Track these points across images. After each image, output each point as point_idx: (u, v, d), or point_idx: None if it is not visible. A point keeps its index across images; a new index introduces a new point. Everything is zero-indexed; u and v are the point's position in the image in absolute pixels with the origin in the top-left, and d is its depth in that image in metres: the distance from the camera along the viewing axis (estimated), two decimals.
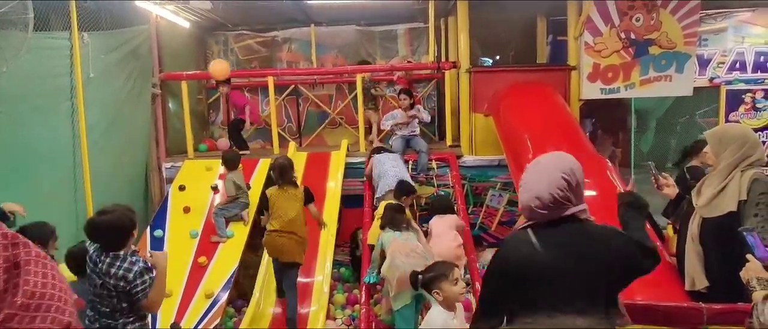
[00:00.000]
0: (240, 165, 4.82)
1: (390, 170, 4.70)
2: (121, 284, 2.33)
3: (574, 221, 1.62)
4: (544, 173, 1.63)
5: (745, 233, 1.92)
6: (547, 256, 1.55)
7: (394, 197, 4.34)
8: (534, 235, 1.61)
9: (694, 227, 2.48)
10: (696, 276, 2.46)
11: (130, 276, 2.33)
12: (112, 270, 2.34)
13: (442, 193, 5.20)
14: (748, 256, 1.86)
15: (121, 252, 2.39)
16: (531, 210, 1.62)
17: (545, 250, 1.56)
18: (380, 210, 4.20)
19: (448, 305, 2.55)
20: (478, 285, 4.03)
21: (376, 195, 4.68)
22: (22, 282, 0.86)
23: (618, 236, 1.67)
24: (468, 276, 4.15)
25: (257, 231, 4.51)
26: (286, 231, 3.75)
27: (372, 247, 4.09)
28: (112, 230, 2.39)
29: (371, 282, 3.86)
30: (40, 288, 0.88)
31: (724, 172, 2.40)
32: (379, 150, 5.20)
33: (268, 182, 5.41)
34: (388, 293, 3.49)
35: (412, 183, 4.69)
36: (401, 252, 3.36)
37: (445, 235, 3.95)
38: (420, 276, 2.68)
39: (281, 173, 3.86)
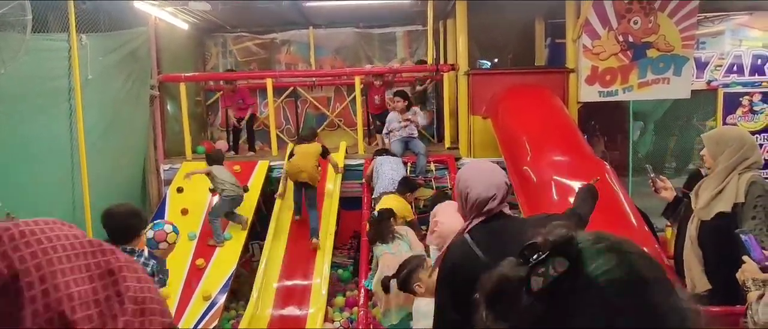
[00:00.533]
0: (223, 162, 4.90)
1: (387, 172, 4.74)
2: None
3: (504, 217, 1.75)
4: (489, 172, 1.77)
5: (741, 235, 1.93)
6: (489, 257, 1.61)
7: (397, 192, 4.43)
8: (472, 239, 1.70)
9: (692, 229, 2.48)
10: (696, 278, 2.46)
11: (148, 270, 2.47)
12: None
13: (441, 191, 5.21)
14: (744, 258, 1.86)
15: (136, 248, 2.46)
16: (486, 202, 1.71)
17: (487, 253, 1.63)
18: (381, 202, 4.33)
19: (431, 292, 2.55)
20: None
21: (373, 196, 4.76)
22: (124, 289, 0.82)
23: (547, 218, 1.75)
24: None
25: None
26: (302, 163, 4.75)
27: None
28: (128, 219, 2.49)
29: (370, 287, 3.84)
30: (140, 292, 0.85)
31: (722, 174, 2.40)
32: (380, 152, 5.22)
33: (267, 184, 5.41)
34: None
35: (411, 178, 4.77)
36: (390, 266, 3.24)
37: (451, 212, 3.95)
38: (393, 280, 2.68)
39: (307, 134, 5.18)
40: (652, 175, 2.80)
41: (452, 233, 4.06)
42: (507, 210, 1.78)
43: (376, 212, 3.90)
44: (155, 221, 3.05)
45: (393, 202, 4.38)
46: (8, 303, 0.70)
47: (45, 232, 0.78)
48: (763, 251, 1.84)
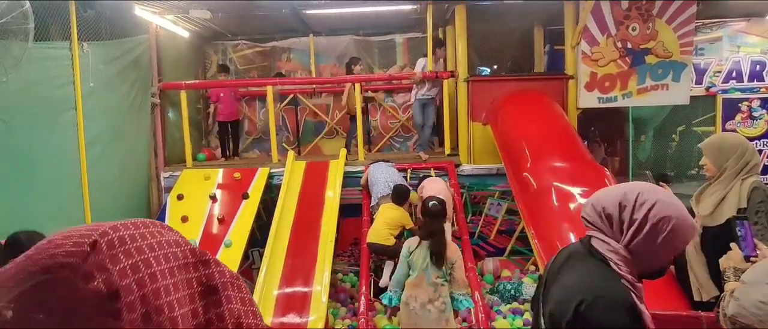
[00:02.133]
0: None
1: (380, 177, 4.81)
2: None
3: None
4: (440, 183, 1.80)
5: (737, 222, 1.88)
6: None
7: (393, 202, 4.44)
8: None
9: (696, 238, 2.48)
10: (704, 285, 2.45)
11: None
12: None
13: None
14: (732, 245, 1.83)
15: None
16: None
17: None
18: (380, 212, 4.35)
19: None
20: (477, 295, 4.02)
21: (371, 203, 4.84)
22: (227, 312, 0.69)
23: None
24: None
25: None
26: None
27: (371, 247, 4.31)
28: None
29: (392, 305, 3.46)
30: (245, 317, 0.72)
31: (727, 180, 2.42)
32: (376, 161, 5.27)
33: (267, 190, 5.41)
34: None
35: (408, 187, 4.74)
36: (420, 298, 3.06)
37: (437, 182, 4.65)
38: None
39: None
40: (651, 182, 2.80)
41: (435, 191, 4.24)
42: None
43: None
44: None
45: (392, 212, 4.41)
46: (104, 324, 0.57)
47: (146, 238, 0.64)
48: (756, 246, 1.80)
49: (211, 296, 0.69)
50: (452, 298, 3.12)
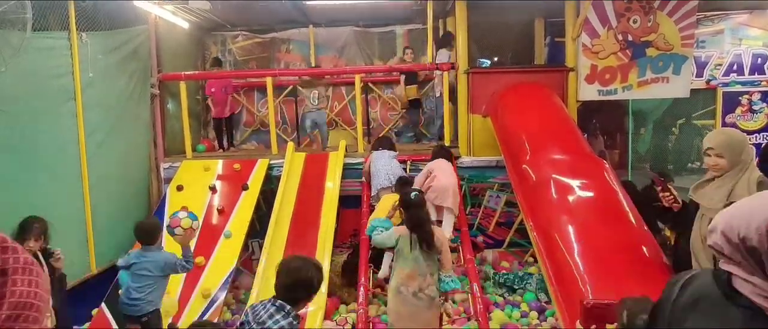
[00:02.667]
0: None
1: (382, 168, 4.80)
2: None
3: None
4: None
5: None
6: None
7: (396, 192, 4.42)
8: None
9: (703, 230, 2.48)
10: None
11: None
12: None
13: (443, 145, 5.44)
14: None
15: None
16: None
17: None
18: (381, 203, 4.33)
19: None
20: (476, 288, 4.04)
21: (372, 194, 4.85)
22: (9, 293, 0.84)
23: None
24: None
25: None
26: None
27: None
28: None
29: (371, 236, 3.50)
30: (25, 297, 0.86)
31: (736, 173, 2.44)
32: (377, 146, 5.27)
33: (267, 182, 5.42)
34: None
35: (407, 177, 4.80)
36: (410, 286, 3.11)
37: (447, 171, 4.62)
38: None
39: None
40: (659, 186, 2.79)
41: (444, 190, 4.42)
42: None
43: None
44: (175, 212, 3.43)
45: (393, 199, 4.40)
46: None
47: None
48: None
49: (2, 277, 0.84)
50: (439, 280, 3.18)
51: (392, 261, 3.64)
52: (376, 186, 4.79)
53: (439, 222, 4.49)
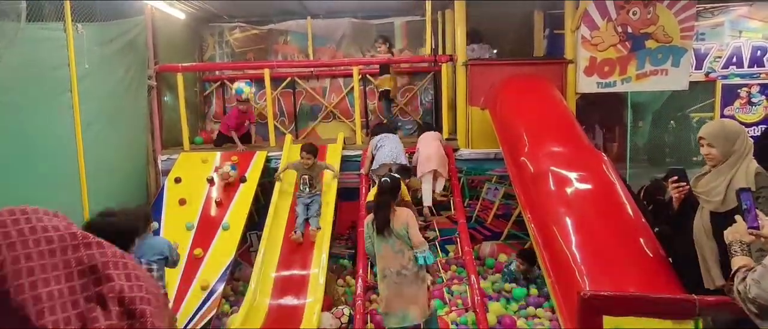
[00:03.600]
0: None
1: (387, 145, 5.09)
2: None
3: None
4: None
5: (742, 193, 1.85)
6: None
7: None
8: None
9: (705, 221, 2.47)
10: (714, 273, 2.42)
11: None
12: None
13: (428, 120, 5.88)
14: (737, 217, 1.82)
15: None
16: None
17: None
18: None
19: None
20: (473, 278, 4.05)
21: (372, 167, 5.14)
22: (107, 289, 0.74)
23: None
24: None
25: None
26: None
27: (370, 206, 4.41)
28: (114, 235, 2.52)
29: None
30: (129, 291, 0.76)
31: (730, 165, 2.43)
32: (378, 130, 5.46)
33: (265, 174, 5.41)
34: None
35: (408, 165, 5.01)
36: (392, 267, 3.29)
37: (432, 143, 5.13)
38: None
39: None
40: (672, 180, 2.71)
41: (427, 157, 4.93)
42: None
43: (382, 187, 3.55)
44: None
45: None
46: None
47: (30, 221, 0.72)
48: (757, 218, 1.77)
49: (92, 274, 0.74)
50: (414, 257, 3.30)
51: None
52: (378, 161, 5.05)
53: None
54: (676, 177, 2.66)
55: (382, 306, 3.39)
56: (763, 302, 1.31)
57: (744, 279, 1.42)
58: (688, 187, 2.63)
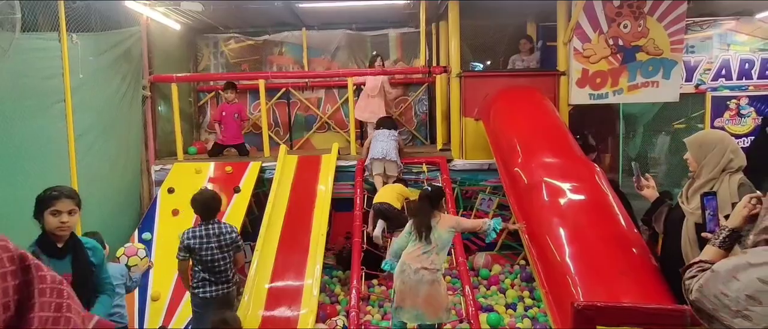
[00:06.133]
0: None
1: (377, 143, 5.33)
2: (234, 236, 3.38)
3: None
4: None
5: (705, 198, 1.89)
6: None
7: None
8: None
9: (691, 233, 2.48)
10: None
11: (236, 233, 3.42)
12: (225, 230, 3.36)
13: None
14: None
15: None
16: None
17: None
18: (384, 191, 4.95)
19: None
20: (468, 289, 4.05)
21: (366, 163, 5.43)
22: (37, 319, 0.75)
23: None
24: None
25: None
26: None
27: (378, 207, 4.77)
28: (212, 202, 3.39)
29: (386, 269, 3.73)
30: (51, 323, 0.77)
31: (709, 177, 2.45)
32: (380, 124, 5.62)
33: (259, 184, 5.40)
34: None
35: (399, 161, 5.37)
36: (413, 264, 3.36)
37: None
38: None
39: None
40: (636, 173, 2.85)
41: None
42: None
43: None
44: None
45: (397, 188, 4.92)
46: None
47: None
48: (718, 224, 1.80)
49: (27, 301, 0.75)
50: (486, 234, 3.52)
51: (383, 228, 4.75)
52: (370, 157, 5.33)
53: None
54: (636, 174, 2.83)
55: (396, 299, 3.46)
56: (701, 306, 1.31)
57: (693, 276, 1.40)
58: (644, 182, 2.81)
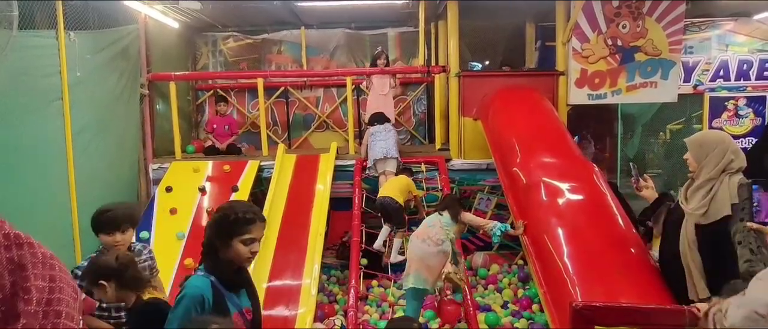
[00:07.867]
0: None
1: (377, 141, 5.32)
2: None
3: None
4: None
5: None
6: None
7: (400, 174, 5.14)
8: None
9: (690, 234, 2.48)
10: (698, 284, 2.44)
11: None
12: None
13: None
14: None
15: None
16: None
17: None
18: (390, 184, 4.94)
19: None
20: (466, 289, 4.05)
21: (368, 164, 5.43)
22: (33, 288, 0.81)
23: None
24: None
25: None
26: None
27: (381, 201, 4.79)
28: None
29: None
30: (48, 293, 0.83)
31: (710, 177, 2.45)
32: (373, 120, 5.60)
33: (257, 183, 5.39)
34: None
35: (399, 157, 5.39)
36: (418, 236, 3.73)
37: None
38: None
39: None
40: (635, 173, 2.86)
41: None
42: None
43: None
44: None
45: (401, 179, 4.93)
46: None
47: None
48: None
49: (20, 272, 0.81)
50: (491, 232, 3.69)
51: (387, 237, 4.82)
52: (371, 158, 5.34)
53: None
54: (634, 174, 2.90)
55: (409, 266, 3.73)
56: None
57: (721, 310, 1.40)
58: (642, 183, 2.86)
